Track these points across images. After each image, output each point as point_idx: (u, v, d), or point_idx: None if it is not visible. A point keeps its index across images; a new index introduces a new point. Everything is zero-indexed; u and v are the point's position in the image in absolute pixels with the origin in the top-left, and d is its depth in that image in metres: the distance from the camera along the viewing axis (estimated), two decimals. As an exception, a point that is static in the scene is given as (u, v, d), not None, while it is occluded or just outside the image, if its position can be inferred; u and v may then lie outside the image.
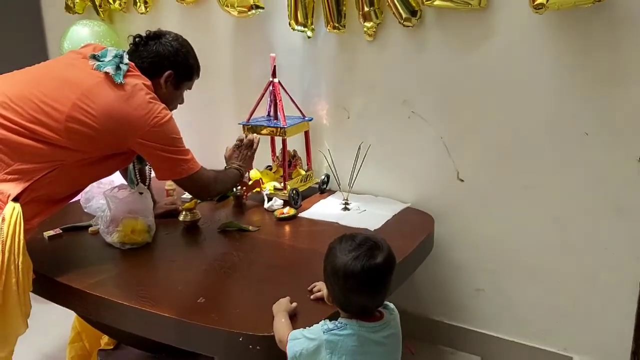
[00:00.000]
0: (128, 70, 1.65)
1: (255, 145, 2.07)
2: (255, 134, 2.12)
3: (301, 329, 1.29)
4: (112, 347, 2.22)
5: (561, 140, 1.91)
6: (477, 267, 2.18)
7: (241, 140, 2.06)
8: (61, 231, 2.00)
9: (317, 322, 1.30)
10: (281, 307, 1.41)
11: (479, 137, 2.06)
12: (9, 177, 1.50)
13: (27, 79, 1.62)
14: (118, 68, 1.63)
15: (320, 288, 1.50)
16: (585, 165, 1.90)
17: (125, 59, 1.68)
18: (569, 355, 2.09)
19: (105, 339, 2.24)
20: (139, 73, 1.70)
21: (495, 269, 2.15)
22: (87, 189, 1.99)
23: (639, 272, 1.89)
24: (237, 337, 1.37)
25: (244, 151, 2.05)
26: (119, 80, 1.60)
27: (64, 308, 1.72)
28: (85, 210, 2.18)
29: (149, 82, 1.70)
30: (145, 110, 1.63)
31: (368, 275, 1.19)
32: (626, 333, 1.96)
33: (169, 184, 2.40)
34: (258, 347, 1.36)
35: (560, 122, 1.90)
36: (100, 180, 1.95)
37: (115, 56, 1.66)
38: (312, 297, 1.50)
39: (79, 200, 2.19)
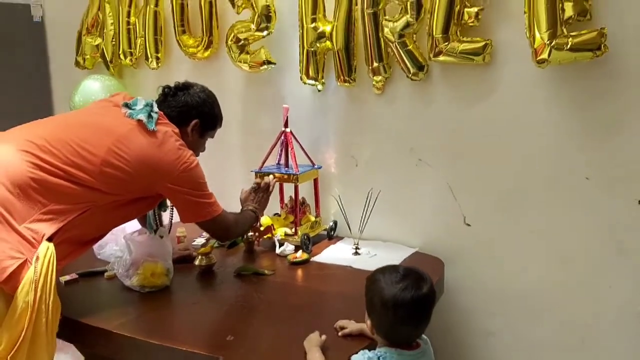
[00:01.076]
0: (158, 118, 1.74)
1: (271, 187, 2.14)
2: (271, 176, 2.19)
3: (340, 361, 1.32)
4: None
5: (563, 185, 2.02)
6: (487, 311, 2.23)
7: (258, 184, 2.12)
8: (77, 276, 2.01)
9: (348, 356, 1.34)
10: (313, 342, 1.44)
11: (484, 184, 2.16)
12: (44, 217, 1.54)
13: (65, 124, 1.70)
14: (150, 116, 1.71)
15: (345, 325, 1.54)
16: (587, 208, 1.99)
17: (155, 108, 1.77)
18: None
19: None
20: (167, 121, 1.78)
21: (504, 312, 2.20)
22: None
23: (643, 310, 1.97)
24: (271, 373, 1.39)
25: (260, 194, 2.12)
26: (152, 128, 1.69)
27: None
28: (99, 257, 2.19)
29: (177, 130, 1.78)
30: (176, 156, 1.71)
31: (416, 305, 1.25)
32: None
33: (180, 231, 2.44)
34: (292, 383, 1.39)
35: (562, 168, 2.01)
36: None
37: (147, 105, 1.75)
38: (340, 334, 1.53)
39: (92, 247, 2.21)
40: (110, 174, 1.62)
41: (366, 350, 1.31)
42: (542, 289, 2.12)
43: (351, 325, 1.54)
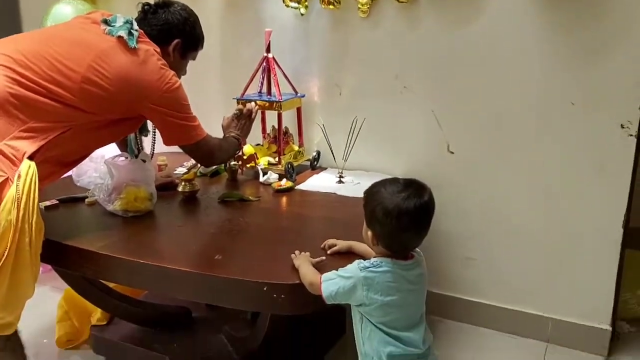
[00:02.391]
0: (139, 36, 1.66)
1: (254, 114, 2.10)
2: (253, 103, 2.15)
3: (333, 270, 1.33)
4: (105, 322, 2.19)
5: (548, 110, 2.03)
6: (467, 236, 2.28)
7: (240, 110, 2.08)
8: (57, 202, 1.97)
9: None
10: (303, 258, 1.45)
11: (468, 110, 2.16)
12: (25, 134, 1.49)
13: (41, 38, 1.61)
14: (130, 33, 1.64)
15: (334, 243, 1.55)
16: (570, 132, 2.02)
17: (135, 26, 1.69)
18: (553, 317, 2.21)
19: (97, 315, 2.20)
20: (148, 40, 1.71)
21: (484, 237, 2.25)
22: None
23: (620, 233, 2.02)
24: (262, 286, 1.39)
25: (242, 121, 2.07)
26: (133, 45, 1.62)
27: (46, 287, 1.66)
28: (78, 184, 2.15)
29: (158, 49, 1.72)
30: (158, 76, 1.65)
31: (419, 212, 1.26)
32: (608, 293, 2.09)
33: (161, 159, 2.40)
34: (282, 296, 1.39)
35: (547, 92, 2.02)
36: (91, 155, 1.94)
37: (126, 22, 1.67)
38: (329, 252, 1.54)
39: (71, 174, 2.16)
40: (91, 92, 1.56)
41: (361, 260, 1.32)
42: (523, 214, 2.16)
43: (340, 243, 1.55)
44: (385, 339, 1.28)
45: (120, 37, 1.62)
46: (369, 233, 1.32)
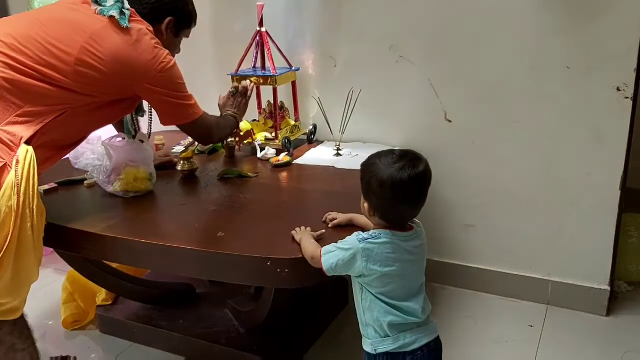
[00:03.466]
0: (130, 15, 1.64)
1: (249, 92, 2.09)
2: (248, 80, 2.13)
3: (333, 243, 1.34)
4: (110, 302, 2.21)
5: (543, 75, 2.03)
6: (467, 204, 2.29)
7: (236, 88, 2.06)
8: (56, 185, 1.97)
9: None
10: (304, 232, 1.46)
11: (465, 78, 2.15)
12: (20, 119, 1.47)
13: (31, 20, 1.58)
14: (122, 12, 1.61)
15: (335, 216, 1.56)
16: (566, 96, 2.02)
17: (126, 4, 1.66)
18: (553, 279, 2.24)
19: (102, 295, 2.22)
20: (140, 19, 1.68)
21: (484, 204, 2.26)
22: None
23: (617, 195, 2.04)
24: (265, 261, 1.41)
25: (239, 98, 2.06)
26: (125, 24, 1.59)
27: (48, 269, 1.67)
28: (76, 167, 2.14)
29: (151, 28, 1.69)
30: (152, 55, 1.62)
31: (414, 183, 1.26)
32: (606, 254, 2.12)
33: (158, 138, 2.40)
34: (286, 270, 1.41)
35: (542, 57, 2.01)
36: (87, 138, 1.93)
37: (117, 0, 1.64)
38: (330, 225, 1.55)
39: (68, 157, 2.15)
40: (85, 74, 1.54)
41: (360, 232, 1.33)
42: (521, 180, 2.18)
43: (340, 216, 1.56)
44: (384, 309, 1.30)
45: (111, 17, 1.59)
46: (365, 205, 1.33)
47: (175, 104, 1.72)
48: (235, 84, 2.12)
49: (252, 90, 2.11)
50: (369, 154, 1.36)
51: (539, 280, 2.26)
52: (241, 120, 2.13)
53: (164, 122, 1.78)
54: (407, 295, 1.32)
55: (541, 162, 2.12)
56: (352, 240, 1.31)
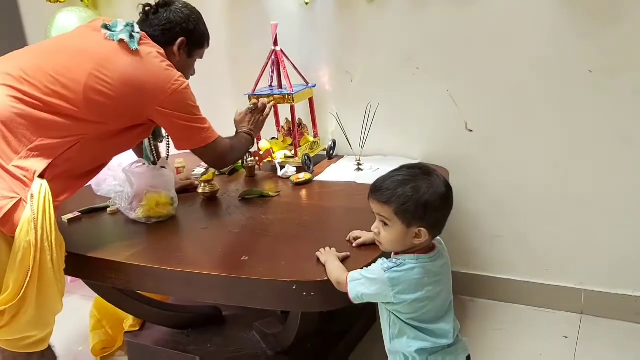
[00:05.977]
0: (140, 39, 1.64)
1: (268, 109, 2.07)
2: (266, 99, 2.13)
3: (359, 269, 1.31)
4: (138, 328, 2.21)
5: (566, 80, 1.99)
6: (493, 214, 2.25)
7: (255, 105, 2.05)
8: (79, 213, 1.97)
9: (363, 266, 1.33)
10: (329, 254, 1.43)
11: (484, 86, 2.12)
12: (32, 153, 1.47)
13: (40, 52, 1.59)
14: (131, 36, 1.61)
15: (358, 235, 1.53)
16: (591, 101, 1.97)
17: (137, 28, 1.66)
18: (586, 288, 2.18)
19: (129, 321, 2.22)
20: (151, 42, 1.68)
21: (510, 213, 2.22)
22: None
23: (649, 200, 1.99)
24: (291, 285, 1.38)
25: (257, 115, 2.04)
26: (134, 47, 1.58)
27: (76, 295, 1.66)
28: (98, 194, 2.15)
29: (162, 51, 1.69)
30: (163, 77, 1.61)
31: (448, 188, 1.26)
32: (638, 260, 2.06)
33: (179, 162, 2.40)
34: (312, 293, 1.38)
35: (564, 62, 1.97)
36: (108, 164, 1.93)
37: (127, 25, 1.64)
38: (354, 244, 1.52)
39: (90, 184, 2.17)
40: (95, 101, 1.53)
41: (384, 259, 1.30)
42: (549, 188, 2.13)
43: (364, 235, 1.53)
44: (415, 334, 1.27)
45: (121, 41, 1.58)
46: (416, 230, 1.24)
47: (189, 128, 1.69)
48: (254, 101, 2.11)
49: (271, 109, 2.10)
50: (391, 173, 1.31)
51: (571, 289, 2.21)
52: (256, 137, 2.11)
53: (178, 146, 1.76)
54: (438, 317, 1.28)
55: (568, 168, 2.07)
56: (377, 269, 1.27)
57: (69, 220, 1.93)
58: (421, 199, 1.23)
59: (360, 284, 1.28)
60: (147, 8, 1.76)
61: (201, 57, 1.89)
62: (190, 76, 1.90)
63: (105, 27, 1.63)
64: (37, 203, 1.43)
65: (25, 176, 1.44)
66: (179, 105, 1.65)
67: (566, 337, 2.10)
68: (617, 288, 2.13)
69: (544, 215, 2.17)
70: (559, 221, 2.15)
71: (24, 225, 1.40)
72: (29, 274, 1.41)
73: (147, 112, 1.64)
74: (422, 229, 1.24)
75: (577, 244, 2.15)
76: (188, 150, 1.82)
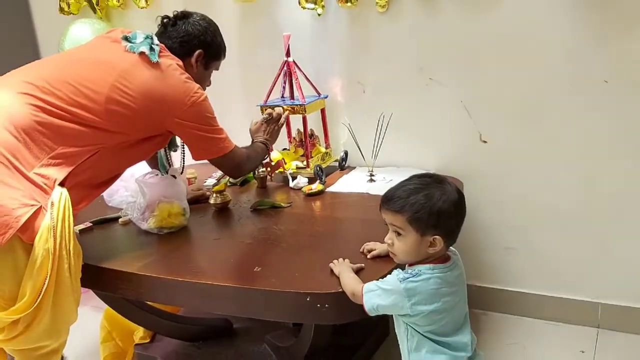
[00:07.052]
0: (160, 51, 1.65)
1: (282, 119, 2.07)
2: (281, 108, 2.12)
3: (374, 281, 1.29)
4: (148, 340, 2.19)
5: (581, 91, 1.97)
6: (507, 226, 2.23)
7: (270, 114, 2.05)
8: (91, 224, 1.97)
9: (378, 278, 1.31)
10: (343, 265, 1.42)
11: (498, 97, 2.10)
12: (53, 161, 1.48)
13: (62, 62, 1.62)
14: (151, 49, 1.62)
15: (372, 247, 1.52)
16: (606, 112, 1.95)
17: (156, 40, 1.68)
18: (603, 302, 2.14)
19: (140, 333, 2.20)
20: (170, 54, 1.69)
21: (524, 225, 2.19)
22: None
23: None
24: (304, 297, 1.37)
25: (272, 125, 2.05)
26: (155, 60, 1.60)
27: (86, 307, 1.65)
28: (110, 204, 2.15)
29: (180, 62, 1.70)
30: (183, 89, 1.63)
31: (461, 196, 1.25)
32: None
33: (190, 172, 2.40)
34: (327, 305, 1.36)
35: (579, 72, 1.95)
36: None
37: (146, 37, 1.66)
38: (368, 256, 1.50)
39: (102, 195, 2.16)
40: (116, 112, 1.55)
41: (399, 270, 1.28)
42: (563, 200, 2.11)
43: (379, 247, 1.51)
44: (433, 347, 1.25)
45: (142, 53, 1.60)
46: (431, 239, 1.23)
47: (207, 138, 1.72)
48: (270, 110, 2.11)
49: (285, 118, 2.10)
50: (402, 185, 1.30)
51: (587, 303, 2.17)
52: (272, 146, 2.11)
53: (195, 157, 1.78)
54: (455, 329, 1.27)
55: (583, 180, 2.05)
56: (393, 280, 1.25)
57: (81, 230, 1.92)
58: (434, 206, 1.21)
59: (376, 295, 1.26)
60: (165, 20, 1.78)
61: (217, 69, 1.91)
62: (207, 87, 1.91)
63: (125, 38, 1.65)
64: (57, 211, 1.44)
65: (45, 184, 1.45)
66: (197, 117, 1.67)
67: (583, 352, 2.06)
68: (635, 301, 2.09)
69: (559, 227, 2.14)
70: (575, 233, 2.12)
71: (44, 233, 1.40)
72: (46, 282, 1.41)
73: (166, 123, 1.66)
74: (436, 237, 1.23)
75: (593, 256, 2.12)
76: (199, 161, 1.82)
